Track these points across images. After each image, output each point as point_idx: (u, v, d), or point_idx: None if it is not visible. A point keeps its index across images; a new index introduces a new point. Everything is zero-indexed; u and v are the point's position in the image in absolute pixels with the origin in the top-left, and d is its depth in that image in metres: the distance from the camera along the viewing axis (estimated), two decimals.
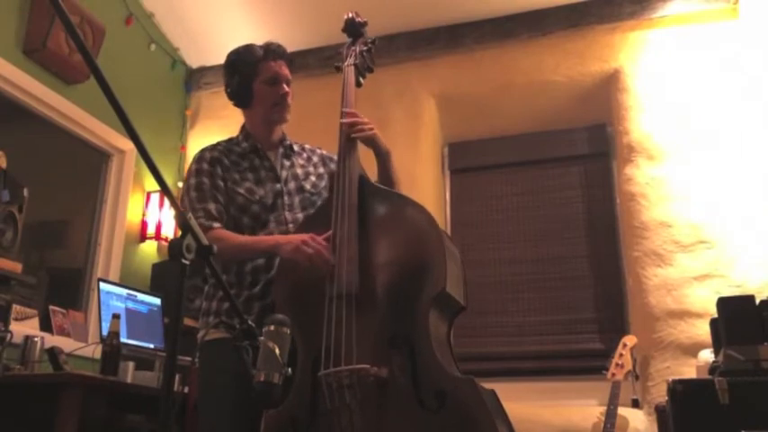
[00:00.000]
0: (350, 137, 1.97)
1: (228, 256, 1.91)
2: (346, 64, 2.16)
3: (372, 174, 2.05)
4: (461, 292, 1.80)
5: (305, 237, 1.80)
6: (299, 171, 2.13)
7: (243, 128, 2.17)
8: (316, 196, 2.10)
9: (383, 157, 2.04)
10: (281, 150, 2.15)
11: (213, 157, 2.04)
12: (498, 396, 1.64)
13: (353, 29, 2.24)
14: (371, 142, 2.00)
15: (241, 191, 2.00)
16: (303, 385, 1.70)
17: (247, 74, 2.09)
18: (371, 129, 1.99)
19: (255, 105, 2.12)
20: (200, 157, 2.05)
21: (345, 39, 2.27)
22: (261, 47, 2.12)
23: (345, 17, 2.24)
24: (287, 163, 2.13)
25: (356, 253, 1.77)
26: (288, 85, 2.12)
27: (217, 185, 1.99)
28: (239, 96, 2.12)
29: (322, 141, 2.31)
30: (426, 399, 1.57)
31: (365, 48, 2.20)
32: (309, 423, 1.67)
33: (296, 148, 2.20)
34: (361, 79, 2.17)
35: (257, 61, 2.09)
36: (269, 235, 1.97)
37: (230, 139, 2.15)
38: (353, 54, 2.18)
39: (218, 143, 2.13)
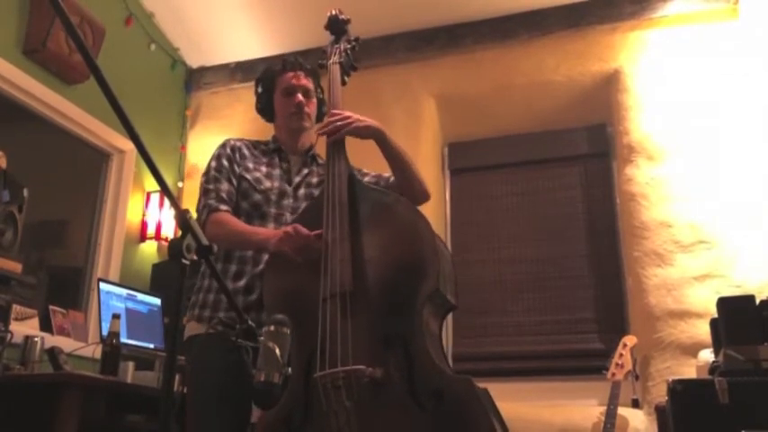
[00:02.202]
0: (331, 139, 1.97)
1: (225, 241, 1.96)
2: (331, 62, 2.16)
3: (372, 164, 2.07)
4: (453, 291, 1.80)
5: (287, 228, 1.81)
6: (314, 180, 2.14)
7: (274, 135, 2.22)
8: None
9: (377, 141, 2.00)
10: (303, 159, 2.18)
11: (235, 146, 2.10)
12: (492, 395, 1.63)
13: (337, 26, 2.23)
14: (355, 134, 1.98)
15: (248, 177, 2.04)
16: (297, 386, 1.69)
17: (268, 88, 2.18)
18: (348, 124, 1.96)
19: (277, 117, 2.18)
20: (224, 144, 2.12)
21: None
22: (281, 61, 2.19)
23: (328, 14, 2.23)
24: (305, 170, 2.15)
25: (349, 252, 1.76)
26: (305, 94, 2.14)
27: (233, 169, 2.05)
28: (265, 111, 2.21)
29: (321, 140, 2.30)
30: (423, 398, 1.56)
31: (349, 46, 2.20)
32: (304, 424, 1.67)
33: (320, 161, 2.21)
34: (345, 78, 2.16)
35: (275, 75, 2.17)
36: (264, 228, 1.98)
37: (260, 141, 2.21)
38: (338, 52, 2.18)
39: (246, 138, 2.20)
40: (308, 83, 2.16)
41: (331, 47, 2.21)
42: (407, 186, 2.03)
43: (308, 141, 2.20)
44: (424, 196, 2.05)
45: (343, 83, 2.15)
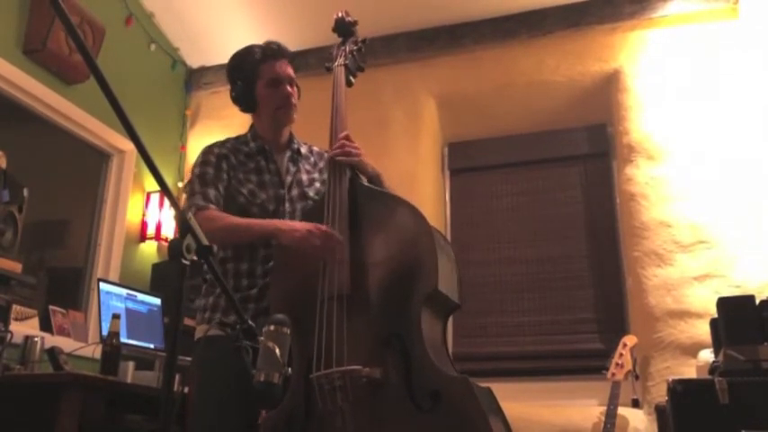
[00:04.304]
0: (336, 160, 1.94)
1: (220, 235, 1.89)
2: (336, 64, 2.15)
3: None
4: (455, 290, 1.79)
5: (310, 226, 1.79)
6: (304, 177, 2.11)
7: (252, 127, 2.15)
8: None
9: (373, 182, 2.02)
10: (288, 154, 2.13)
11: (221, 153, 2.03)
12: (494, 394, 1.63)
13: (343, 28, 2.23)
14: (358, 168, 1.98)
15: (243, 191, 1.99)
16: (298, 387, 1.70)
17: (248, 78, 2.07)
18: (358, 155, 1.96)
19: (261, 109, 2.10)
20: (207, 150, 2.05)
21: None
22: (260, 47, 2.10)
23: (335, 17, 2.22)
24: (293, 168, 2.11)
25: (347, 254, 1.76)
26: (291, 84, 2.09)
27: (220, 177, 1.99)
28: (244, 102, 2.11)
29: (322, 140, 2.30)
30: (420, 399, 1.57)
31: (355, 47, 2.19)
32: (305, 424, 1.67)
33: (303, 150, 2.18)
34: (351, 79, 2.16)
35: (257, 64, 2.07)
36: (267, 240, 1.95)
37: (238, 137, 2.14)
38: (343, 54, 2.17)
39: (227, 140, 2.12)
40: (291, 71, 2.11)
41: (337, 49, 2.20)
42: None
43: (288, 132, 2.16)
44: None
45: (349, 84, 2.14)
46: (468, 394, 1.54)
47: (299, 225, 1.83)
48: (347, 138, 1.98)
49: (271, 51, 2.09)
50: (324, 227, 1.78)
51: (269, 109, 2.09)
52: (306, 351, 1.71)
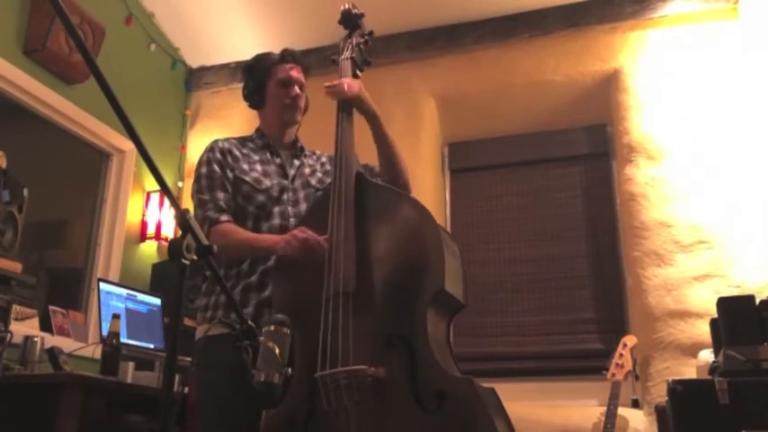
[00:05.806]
0: (339, 101, 2.01)
1: (233, 252, 1.93)
2: (343, 57, 2.15)
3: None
4: (460, 289, 1.78)
5: (295, 231, 1.82)
6: (307, 170, 2.17)
7: (258, 128, 2.22)
8: (321, 192, 2.12)
9: (371, 121, 2.05)
10: (292, 152, 2.19)
11: (224, 148, 2.07)
12: (498, 395, 1.63)
13: (350, 21, 2.21)
14: (356, 104, 2.02)
15: (248, 179, 2.03)
16: (301, 386, 1.69)
17: (262, 76, 2.16)
18: (351, 89, 2.01)
19: (268, 106, 2.17)
20: (211, 147, 2.09)
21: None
22: (279, 52, 2.20)
23: (342, 9, 2.22)
24: (296, 163, 2.17)
25: (353, 251, 1.76)
26: (301, 88, 2.16)
27: (226, 175, 2.02)
28: (253, 97, 2.19)
29: (322, 141, 2.30)
30: (425, 399, 1.56)
31: (362, 40, 2.18)
32: (307, 424, 1.67)
33: (307, 152, 2.24)
34: (358, 72, 2.16)
35: (272, 64, 2.16)
36: (272, 227, 1.99)
37: (244, 137, 2.20)
38: (350, 47, 2.17)
39: (232, 137, 2.18)
40: (303, 78, 2.19)
41: (344, 42, 2.19)
42: (393, 175, 2.05)
43: (294, 133, 2.22)
44: (405, 189, 2.06)
45: (356, 77, 2.14)
46: (472, 394, 1.54)
47: (279, 237, 1.88)
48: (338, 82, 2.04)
49: (287, 55, 2.18)
50: (306, 231, 1.81)
51: (275, 106, 2.15)
52: (310, 350, 1.71)
